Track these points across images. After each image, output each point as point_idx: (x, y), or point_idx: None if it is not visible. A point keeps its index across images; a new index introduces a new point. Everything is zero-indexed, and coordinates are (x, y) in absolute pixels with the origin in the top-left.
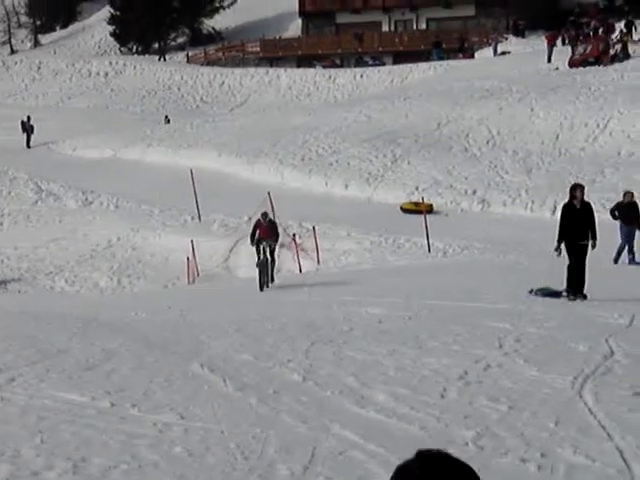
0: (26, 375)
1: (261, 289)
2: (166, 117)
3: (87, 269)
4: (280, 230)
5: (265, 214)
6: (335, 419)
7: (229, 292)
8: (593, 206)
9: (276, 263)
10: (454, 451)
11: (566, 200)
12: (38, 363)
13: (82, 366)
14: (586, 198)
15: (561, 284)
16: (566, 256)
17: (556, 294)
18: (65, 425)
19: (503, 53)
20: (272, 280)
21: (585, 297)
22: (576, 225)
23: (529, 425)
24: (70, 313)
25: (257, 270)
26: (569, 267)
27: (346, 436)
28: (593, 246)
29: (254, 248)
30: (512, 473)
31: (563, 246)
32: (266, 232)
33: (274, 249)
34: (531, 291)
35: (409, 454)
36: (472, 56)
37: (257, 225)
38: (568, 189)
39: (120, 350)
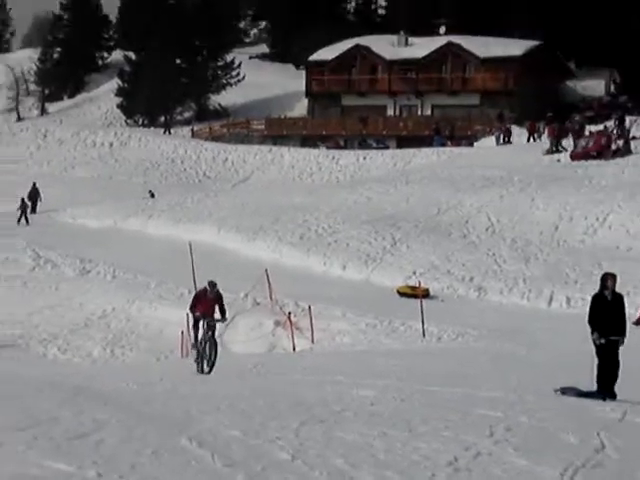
0: (14, 442)
1: (201, 372)
2: (150, 192)
3: (81, 338)
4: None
5: (213, 284)
6: None
7: (222, 367)
8: (625, 298)
9: (218, 346)
10: None
11: (596, 290)
12: (27, 430)
13: (71, 435)
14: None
15: (576, 383)
16: (594, 353)
17: (591, 395)
18: None
19: (505, 143)
20: (213, 365)
21: (614, 397)
22: (607, 318)
23: None
24: (62, 381)
25: (195, 351)
26: (599, 366)
27: None
28: (621, 343)
29: (192, 324)
30: None
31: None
32: (208, 306)
33: (215, 328)
34: (559, 390)
35: None
36: (459, 144)
37: (198, 296)
38: (599, 278)
39: (110, 420)
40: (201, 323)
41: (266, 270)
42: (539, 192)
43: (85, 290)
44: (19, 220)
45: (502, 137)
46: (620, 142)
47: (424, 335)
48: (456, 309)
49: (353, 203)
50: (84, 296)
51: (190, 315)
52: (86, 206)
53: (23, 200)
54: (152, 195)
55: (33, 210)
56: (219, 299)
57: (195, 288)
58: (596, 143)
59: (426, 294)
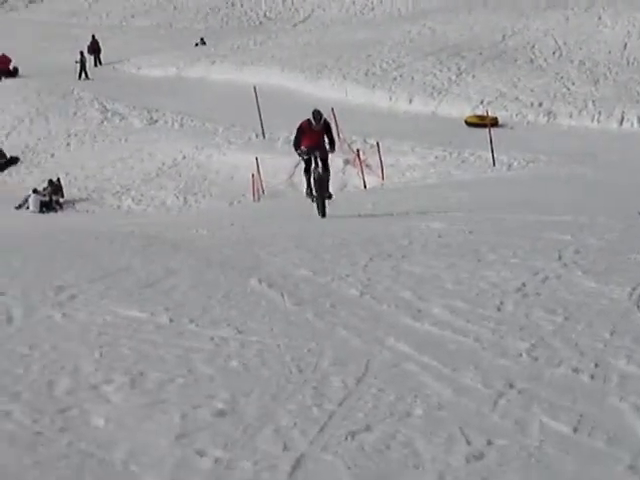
0: (87, 292)
1: (323, 215)
2: (201, 39)
3: (153, 188)
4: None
5: (320, 113)
6: (390, 332)
7: (293, 208)
8: None
9: (330, 173)
10: (507, 362)
11: None
12: (99, 280)
13: (142, 283)
14: None
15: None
16: None
17: None
18: (124, 340)
19: None
20: (329, 196)
21: None
22: None
23: (584, 336)
24: (134, 232)
25: (310, 190)
26: None
27: (400, 349)
28: None
29: (304, 169)
30: (565, 383)
31: None
32: (316, 139)
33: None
34: None
35: (462, 365)
36: None
37: (302, 129)
38: None
39: (180, 267)
40: (313, 159)
41: (332, 109)
42: (605, 10)
43: (154, 140)
44: (80, 75)
45: None
46: None
47: (494, 164)
48: (526, 136)
49: (416, 35)
50: (153, 146)
51: (295, 152)
52: (149, 56)
53: (82, 54)
54: (203, 42)
55: (97, 62)
56: (327, 129)
57: (263, 131)
58: None
59: (495, 122)
